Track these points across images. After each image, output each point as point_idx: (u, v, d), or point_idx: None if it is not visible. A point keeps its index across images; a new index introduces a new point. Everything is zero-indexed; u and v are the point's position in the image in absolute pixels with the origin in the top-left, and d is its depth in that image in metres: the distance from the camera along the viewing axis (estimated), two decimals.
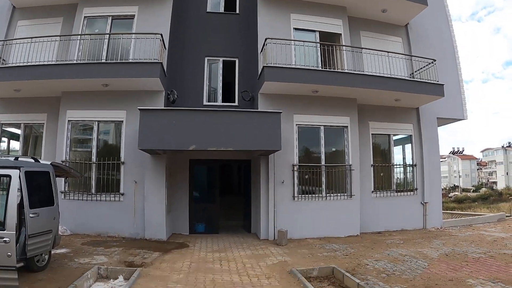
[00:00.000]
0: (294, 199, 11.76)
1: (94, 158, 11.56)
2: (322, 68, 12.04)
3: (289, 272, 7.66)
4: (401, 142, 14.38)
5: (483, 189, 68.59)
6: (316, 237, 11.64)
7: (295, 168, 11.84)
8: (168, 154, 11.60)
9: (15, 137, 12.91)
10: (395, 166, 13.82)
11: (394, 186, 13.65)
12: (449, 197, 46.63)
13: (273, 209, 11.49)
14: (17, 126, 12.65)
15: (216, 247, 10.33)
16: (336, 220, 11.96)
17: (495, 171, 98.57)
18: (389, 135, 13.81)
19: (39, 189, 7.22)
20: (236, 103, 13.20)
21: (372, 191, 13.13)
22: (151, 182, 11.17)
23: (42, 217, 6.87)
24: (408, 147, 14.21)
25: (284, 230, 10.69)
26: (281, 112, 10.20)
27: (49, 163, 7.77)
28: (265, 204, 11.61)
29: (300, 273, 7.41)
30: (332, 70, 11.90)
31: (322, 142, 12.29)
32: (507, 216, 16.02)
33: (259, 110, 11.25)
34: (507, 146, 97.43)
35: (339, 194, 12.20)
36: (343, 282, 7.07)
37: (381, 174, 13.54)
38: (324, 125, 12.33)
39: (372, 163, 13.27)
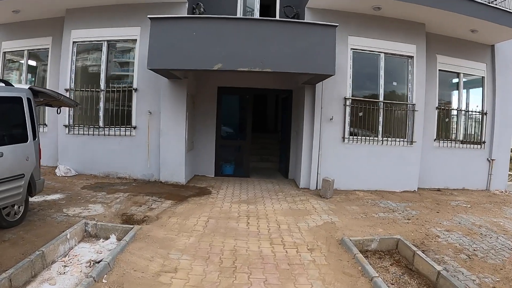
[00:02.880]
0: (343, 141, 9.47)
1: (102, 85, 9.59)
2: None
3: (339, 242, 5.58)
4: (470, 84, 11.50)
5: None
6: (366, 190, 9.54)
7: (348, 103, 9.42)
8: (190, 78, 9.41)
9: (30, 68, 11.20)
10: (463, 112, 11.09)
11: (460, 135, 11.05)
12: None
13: (317, 152, 9.27)
14: (20, 54, 10.92)
15: (245, 196, 8.35)
16: (392, 171, 9.75)
17: None
18: (458, 74, 10.97)
19: (5, 121, 5.39)
20: None
21: (435, 139, 10.64)
22: (168, 113, 9.11)
23: (8, 158, 5.09)
24: (475, 91, 11.39)
25: (331, 179, 8.52)
26: (336, 26, 7.53)
27: (26, 87, 5.76)
28: (308, 145, 9.41)
29: (354, 244, 5.32)
30: None
31: (381, 73, 9.70)
32: None
33: (307, 21, 8.54)
34: None
35: (397, 139, 9.83)
36: (413, 263, 5.01)
37: (446, 120, 10.99)
38: (385, 53, 9.68)
39: (437, 105, 10.63)
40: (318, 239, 5.67)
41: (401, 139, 9.88)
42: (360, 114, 9.58)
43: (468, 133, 11.23)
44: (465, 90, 11.48)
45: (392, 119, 9.85)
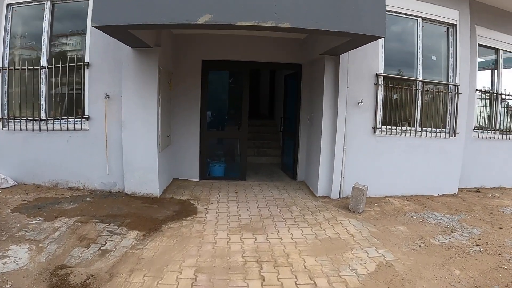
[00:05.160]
0: (375, 132, 7.06)
1: (44, 61, 6.81)
2: None
3: None
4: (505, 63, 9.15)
5: None
6: (400, 196, 7.32)
7: (380, 81, 6.99)
8: (164, 46, 6.75)
9: None
10: (504, 96, 8.79)
11: (499, 124, 8.78)
12: None
13: (341, 147, 6.82)
14: None
15: (246, 216, 5.84)
16: (430, 170, 7.53)
17: None
18: (497, 50, 8.67)
19: None
20: None
21: (474, 129, 8.39)
22: (133, 96, 6.45)
23: None
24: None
25: (364, 187, 6.13)
26: None
27: None
28: (328, 138, 6.95)
29: None
30: None
31: (420, 44, 7.31)
32: None
33: None
34: None
35: (437, 130, 7.56)
36: None
37: (485, 105, 8.78)
38: (423, 18, 7.29)
39: (478, 87, 8.37)
40: None
41: (441, 129, 7.62)
42: (395, 96, 7.18)
43: (508, 120, 9.11)
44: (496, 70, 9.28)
45: (432, 104, 7.58)
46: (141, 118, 6.43)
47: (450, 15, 7.42)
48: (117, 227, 4.99)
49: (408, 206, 6.65)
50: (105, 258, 4.09)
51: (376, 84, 6.94)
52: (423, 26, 7.31)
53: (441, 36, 7.63)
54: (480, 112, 8.63)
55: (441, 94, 7.55)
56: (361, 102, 6.82)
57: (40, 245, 4.33)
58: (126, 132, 6.46)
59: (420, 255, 4.56)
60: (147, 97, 6.39)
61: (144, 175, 6.54)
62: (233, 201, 6.59)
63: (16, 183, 6.87)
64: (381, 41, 6.89)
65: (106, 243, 4.48)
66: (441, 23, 7.49)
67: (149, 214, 5.59)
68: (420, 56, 7.31)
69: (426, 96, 7.43)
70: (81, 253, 4.16)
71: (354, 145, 6.94)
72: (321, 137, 6.93)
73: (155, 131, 6.51)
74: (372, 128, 7.02)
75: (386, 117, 7.15)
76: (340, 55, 6.60)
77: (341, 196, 6.92)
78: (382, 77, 6.99)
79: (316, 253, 4.46)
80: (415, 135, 7.34)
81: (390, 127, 7.15)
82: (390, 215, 6.10)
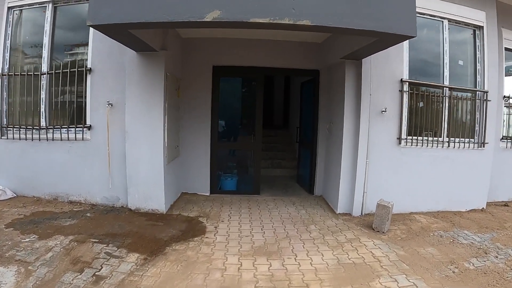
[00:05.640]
0: (399, 143, 6.49)
1: (45, 66, 6.40)
2: None
3: None
4: None
5: None
6: (426, 212, 6.73)
7: (405, 88, 6.43)
8: (171, 50, 6.30)
9: None
10: None
11: None
12: None
13: (364, 159, 6.25)
14: None
15: (260, 236, 5.28)
16: (457, 183, 6.91)
17: None
18: None
19: None
20: None
21: (501, 139, 7.81)
22: (137, 104, 5.98)
23: None
24: None
25: (390, 204, 5.54)
26: None
27: None
28: (350, 149, 6.38)
29: None
30: None
31: (446, 47, 6.76)
32: None
33: None
34: None
35: (465, 140, 6.96)
36: None
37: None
38: (448, 19, 6.76)
39: (504, 93, 7.76)
40: None
41: (469, 139, 7.03)
42: (421, 104, 6.61)
43: None
44: None
45: (459, 112, 7.01)
46: (146, 128, 5.95)
47: (477, 16, 6.90)
48: (116, 249, 4.48)
49: (436, 224, 6.06)
50: (98, 286, 3.58)
51: (401, 91, 6.38)
52: (448, 29, 6.79)
53: (467, 39, 7.10)
54: (504, 120, 8.05)
55: (469, 101, 6.99)
56: (385, 111, 6.26)
57: (30, 267, 3.87)
58: (129, 143, 5.98)
59: (455, 283, 4.00)
60: (152, 104, 5.91)
61: (149, 189, 6.04)
62: (246, 219, 6.04)
63: (15, 195, 6.48)
64: (406, 43, 6.38)
65: (102, 267, 3.97)
66: (467, 25, 6.97)
67: (153, 234, 5.08)
68: (446, 60, 6.79)
69: (453, 104, 6.85)
70: (72, 279, 3.67)
71: (377, 157, 6.37)
72: (341, 148, 6.36)
73: (161, 142, 6.02)
74: (397, 138, 6.45)
75: (412, 127, 6.60)
76: (363, 60, 6.06)
77: (363, 213, 6.33)
78: (407, 83, 6.44)
79: (339, 283, 3.89)
80: (442, 146, 6.77)
81: (415, 137, 6.57)
82: (417, 235, 5.52)
